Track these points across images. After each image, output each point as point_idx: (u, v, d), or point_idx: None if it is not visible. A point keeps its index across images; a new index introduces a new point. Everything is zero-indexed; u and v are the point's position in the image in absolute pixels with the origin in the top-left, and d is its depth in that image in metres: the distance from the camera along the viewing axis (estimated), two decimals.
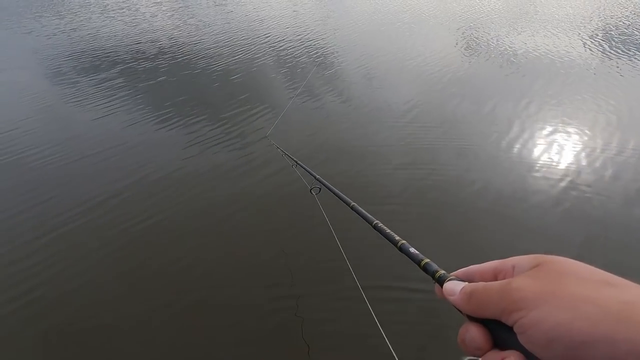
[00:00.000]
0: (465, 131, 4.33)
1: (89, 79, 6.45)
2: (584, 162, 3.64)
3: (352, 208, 0.89)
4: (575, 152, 3.81)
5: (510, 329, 0.32)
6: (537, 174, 3.49)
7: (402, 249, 0.63)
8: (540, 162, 3.68)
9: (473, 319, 0.36)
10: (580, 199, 3.14)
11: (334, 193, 1.01)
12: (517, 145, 3.98)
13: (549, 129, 4.28)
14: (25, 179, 3.71)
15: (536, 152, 3.85)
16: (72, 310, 2.34)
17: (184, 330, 2.21)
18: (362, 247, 2.43)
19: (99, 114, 5.11)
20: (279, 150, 2.11)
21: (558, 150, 3.86)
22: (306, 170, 1.29)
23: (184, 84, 6.22)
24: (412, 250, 0.60)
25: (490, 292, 0.34)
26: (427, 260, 0.53)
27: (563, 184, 3.34)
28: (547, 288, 0.30)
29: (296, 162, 1.57)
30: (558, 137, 4.11)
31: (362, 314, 1.43)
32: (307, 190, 1.20)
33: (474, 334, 0.35)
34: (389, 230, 0.73)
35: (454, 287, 0.39)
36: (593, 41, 7.54)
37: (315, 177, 1.18)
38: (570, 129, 4.24)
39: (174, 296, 2.43)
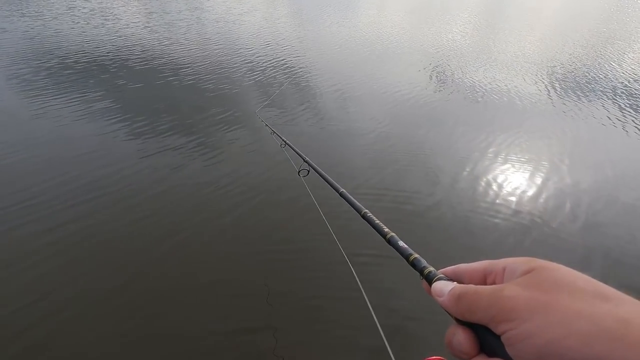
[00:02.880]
0: (431, 155, 4.39)
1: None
2: (534, 192, 3.78)
3: (341, 195, 0.87)
4: (527, 181, 3.97)
5: (498, 337, 0.31)
6: (489, 203, 3.56)
7: (391, 242, 0.61)
8: (494, 190, 3.77)
9: (461, 321, 0.35)
10: (529, 227, 3.26)
11: (323, 177, 0.98)
12: (476, 171, 4.09)
13: (506, 158, 4.42)
14: None
15: (492, 180, 3.96)
16: None
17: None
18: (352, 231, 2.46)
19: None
20: (268, 128, 2.03)
21: (515, 178, 4.01)
22: (295, 151, 1.25)
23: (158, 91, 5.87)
24: (401, 243, 0.58)
25: (480, 297, 0.33)
26: (415, 255, 0.52)
27: (514, 213, 3.44)
28: (540, 299, 0.29)
29: (285, 141, 1.51)
30: (514, 166, 4.25)
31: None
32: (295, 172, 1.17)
33: (461, 338, 0.34)
34: (378, 221, 0.70)
35: (442, 288, 0.38)
36: (547, 81, 7.65)
37: (303, 158, 1.15)
38: (524, 160, 4.39)
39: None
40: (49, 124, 4.39)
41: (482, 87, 7.00)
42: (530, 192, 3.74)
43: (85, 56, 7.11)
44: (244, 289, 2.38)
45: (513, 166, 4.23)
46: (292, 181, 3.33)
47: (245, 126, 4.71)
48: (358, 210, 0.78)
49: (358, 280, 0.96)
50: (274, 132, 1.77)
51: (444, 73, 7.87)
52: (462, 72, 7.99)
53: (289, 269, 2.56)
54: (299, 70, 7.42)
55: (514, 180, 3.94)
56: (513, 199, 3.61)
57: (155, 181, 3.45)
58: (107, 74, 6.27)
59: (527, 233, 3.12)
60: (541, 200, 3.62)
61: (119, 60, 7.05)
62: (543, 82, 7.52)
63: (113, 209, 3.01)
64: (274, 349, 1.96)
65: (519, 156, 4.45)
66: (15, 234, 2.71)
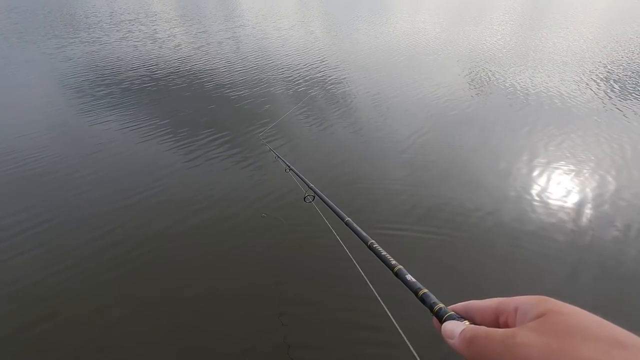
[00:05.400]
0: (470, 162, 4.28)
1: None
2: (586, 200, 3.59)
3: (347, 224, 0.85)
4: (577, 189, 3.77)
5: None
6: (541, 210, 3.43)
7: (399, 275, 0.60)
8: (544, 197, 3.63)
9: None
10: (579, 234, 3.11)
11: (328, 205, 0.95)
12: (520, 178, 3.94)
13: (553, 164, 4.23)
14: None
15: (539, 187, 3.81)
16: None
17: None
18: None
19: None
20: (272, 152, 2.04)
21: (563, 185, 3.83)
22: (300, 178, 1.23)
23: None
24: (409, 277, 0.57)
25: (493, 342, 0.32)
26: (425, 290, 0.51)
27: (565, 219, 3.30)
28: (553, 347, 0.28)
29: (289, 167, 1.49)
30: (561, 173, 4.07)
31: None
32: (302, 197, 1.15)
33: None
34: (384, 253, 0.69)
35: (453, 329, 0.38)
36: (595, 81, 7.39)
37: (308, 185, 1.12)
38: (573, 166, 4.19)
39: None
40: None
41: (529, 90, 6.83)
42: (577, 203, 3.52)
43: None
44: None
45: (560, 175, 4.01)
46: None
47: (246, 148, 4.73)
48: (365, 241, 0.76)
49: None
50: (279, 156, 1.76)
51: (486, 77, 7.73)
52: (503, 74, 7.82)
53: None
54: (329, 81, 7.47)
55: (563, 191, 3.71)
56: (564, 213, 3.38)
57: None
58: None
59: (579, 254, 2.91)
60: (587, 213, 3.38)
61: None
62: (592, 83, 7.23)
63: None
64: None
65: (564, 163, 4.23)
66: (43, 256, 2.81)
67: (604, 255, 2.90)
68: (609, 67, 8.46)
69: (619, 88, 7.00)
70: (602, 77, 7.70)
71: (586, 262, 2.81)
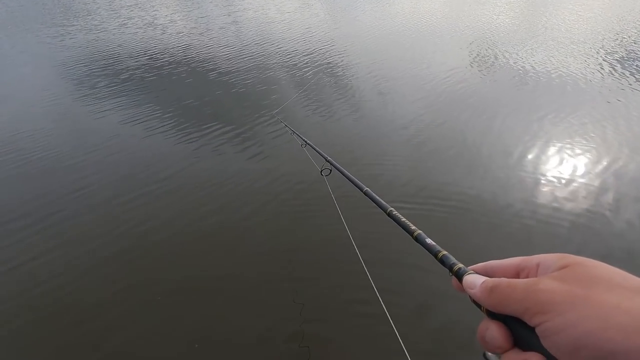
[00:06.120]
0: (475, 143, 4.27)
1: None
2: (592, 180, 3.57)
3: (365, 193, 0.87)
4: (584, 169, 3.75)
5: (532, 329, 0.31)
6: (545, 189, 3.44)
7: (419, 239, 0.61)
8: (550, 177, 3.62)
9: (492, 315, 0.35)
10: (585, 216, 3.10)
11: (346, 176, 0.98)
12: (527, 159, 3.93)
13: (559, 145, 4.19)
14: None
15: (545, 167, 3.80)
16: None
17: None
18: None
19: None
20: (287, 128, 2.04)
21: (569, 166, 3.81)
22: (316, 151, 1.25)
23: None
24: (429, 241, 0.58)
25: (514, 289, 0.33)
26: (444, 252, 0.52)
27: (570, 200, 3.31)
28: (577, 293, 0.29)
29: (306, 141, 1.52)
30: (568, 153, 4.03)
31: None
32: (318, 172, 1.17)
33: (494, 332, 0.34)
34: (404, 219, 0.69)
35: (474, 280, 0.38)
36: (604, 61, 7.18)
37: (326, 158, 1.15)
38: (579, 147, 4.14)
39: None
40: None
41: (532, 70, 6.72)
42: (583, 185, 3.49)
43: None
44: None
45: (565, 156, 3.96)
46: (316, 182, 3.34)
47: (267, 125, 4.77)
48: (384, 209, 0.78)
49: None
50: (294, 132, 1.78)
51: (489, 57, 7.61)
52: (507, 55, 7.70)
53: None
54: (330, 63, 7.41)
55: (566, 172, 3.68)
56: (564, 194, 3.37)
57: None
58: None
59: (583, 232, 2.93)
60: (594, 193, 3.37)
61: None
62: (598, 63, 7.05)
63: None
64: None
65: (570, 144, 4.17)
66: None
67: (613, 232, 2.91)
68: (627, 46, 8.21)
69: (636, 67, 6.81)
70: (618, 56, 7.48)
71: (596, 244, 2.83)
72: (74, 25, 11.53)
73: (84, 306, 2.36)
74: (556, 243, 2.80)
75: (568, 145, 4.17)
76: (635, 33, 9.48)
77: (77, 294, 2.45)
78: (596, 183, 3.52)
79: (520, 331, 0.33)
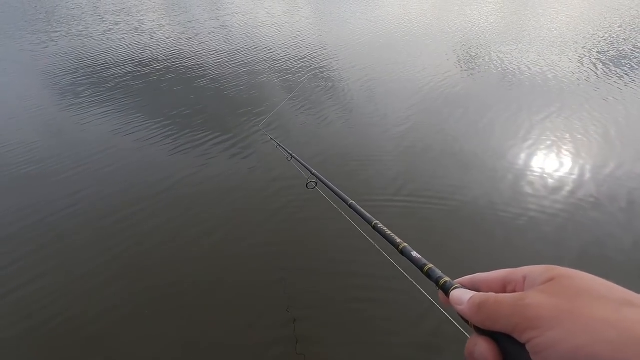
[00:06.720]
0: (463, 142, 4.36)
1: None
2: (578, 175, 3.68)
3: (350, 206, 0.88)
4: (569, 165, 3.86)
5: (521, 345, 0.31)
6: (529, 186, 3.54)
7: (404, 252, 0.60)
8: (535, 174, 3.73)
9: (481, 330, 0.35)
10: (572, 211, 3.18)
11: (331, 189, 0.98)
12: (513, 156, 4.04)
13: (545, 142, 4.31)
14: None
15: (531, 163, 3.91)
16: None
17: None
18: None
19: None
20: (273, 142, 2.05)
21: (554, 162, 3.93)
22: (302, 164, 1.26)
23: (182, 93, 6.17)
24: (415, 254, 0.58)
25: (502, 305, 0.33)
26: (430, 265, 0.52)
27: (555, 195, 3.40)
28: (564, 307, 0.29)
29: (291, 155, 1.52)
30: (553, 150, 4.15)
31: None
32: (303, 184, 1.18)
33: (483, 348, 0.34)
34: (389, 232, 0.70)
35: (461, 296, 0.38)
36: (587, 60, 7.38)
37: (311, 171, 1.15)
38: (564, 144, 4.26)
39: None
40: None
41: (515, 68, 6.88)
42: (570, 181, 3.60)
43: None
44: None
45: (550, 154, 4.08)
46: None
47: (249, 141, 4.73)
48: (368, 222, 0.78)
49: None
50: (280, 145, 1.78)
51: (472, 57, 7.74)
52: (491, 53, 7.84)
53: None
54: (318, 68, 7.41)
55: (553, 170, 3.78)
56: (551, 191, 3.45)
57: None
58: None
59: (569, 228, 2.98)
60: (581, 189, 3.47)
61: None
62: (582, 61, 7.23)
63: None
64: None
65: (554, 142, 4.28)
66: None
67: (599, 230, 2.97)
68: (610, 44, 8.43)
69: (621, 67, 6.96)
70: (601, 56, 7.66)
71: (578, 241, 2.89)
72: (57, 31, 11.31)
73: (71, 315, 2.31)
74: (545, 244, 2.83)
75: (555, 146, 4.26)
76: (618, 31, 9.71)
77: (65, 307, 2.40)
78: (582, 181, 3.60)
79: (509, 347, 0.33)
